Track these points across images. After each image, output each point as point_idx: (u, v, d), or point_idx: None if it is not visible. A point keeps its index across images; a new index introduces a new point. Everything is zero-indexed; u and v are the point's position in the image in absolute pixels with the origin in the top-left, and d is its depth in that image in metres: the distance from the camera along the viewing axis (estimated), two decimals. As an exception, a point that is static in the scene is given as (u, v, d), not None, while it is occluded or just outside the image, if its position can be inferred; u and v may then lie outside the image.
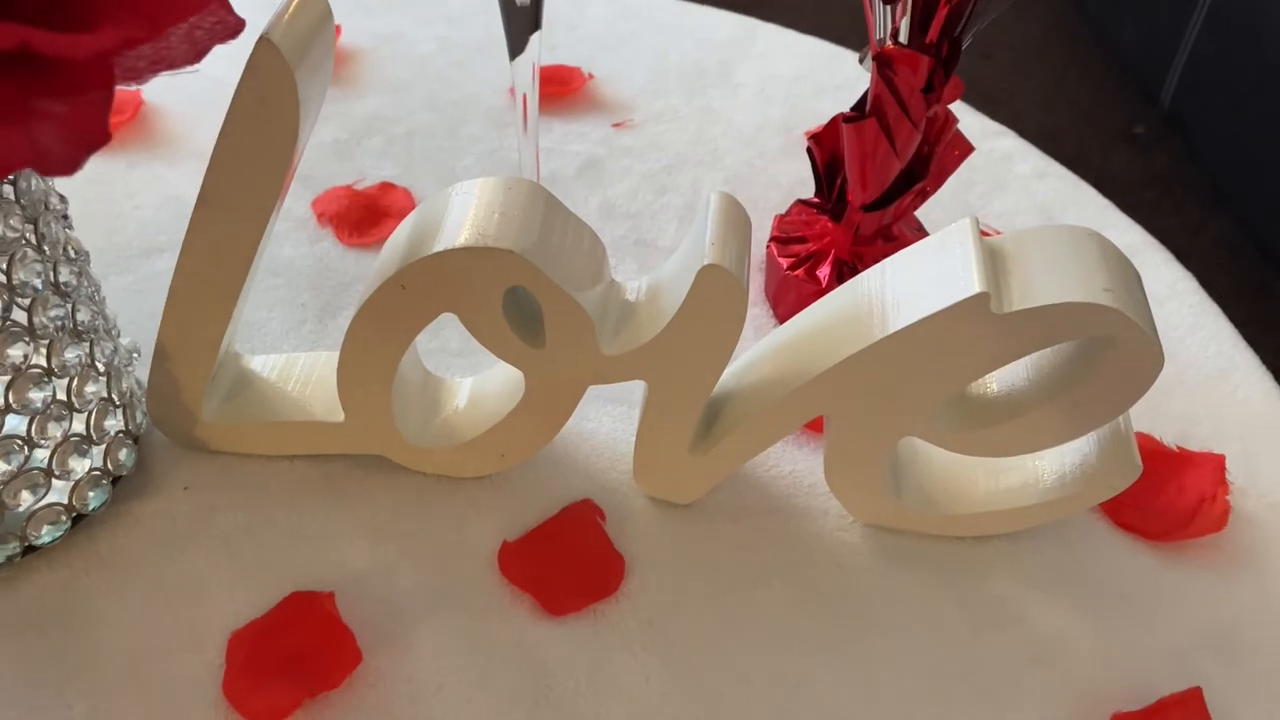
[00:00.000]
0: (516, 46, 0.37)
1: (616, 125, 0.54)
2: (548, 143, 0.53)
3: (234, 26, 0.22)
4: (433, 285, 0.31)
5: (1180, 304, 0.47)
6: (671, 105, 0.56)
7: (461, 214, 0.31)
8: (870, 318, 0.31)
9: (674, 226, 0.49)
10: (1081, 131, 1.45)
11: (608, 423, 0.40)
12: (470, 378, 0.39)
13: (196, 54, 0.21)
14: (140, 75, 0.21)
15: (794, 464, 0.39)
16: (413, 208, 0.49)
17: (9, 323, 0.30)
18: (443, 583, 0.35)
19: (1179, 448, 0.40)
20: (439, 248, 0.31)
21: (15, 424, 0.32)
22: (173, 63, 0.21)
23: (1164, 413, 0.42)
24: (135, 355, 0.38)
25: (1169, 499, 0.39)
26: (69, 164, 0.20)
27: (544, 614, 0.34)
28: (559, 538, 0.36)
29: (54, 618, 0.34)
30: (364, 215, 0.48)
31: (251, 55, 0.27)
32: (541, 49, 0.39)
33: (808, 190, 0.51)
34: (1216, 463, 0.39)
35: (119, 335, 0.37)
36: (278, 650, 0.33)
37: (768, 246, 0.45)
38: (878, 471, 0.35)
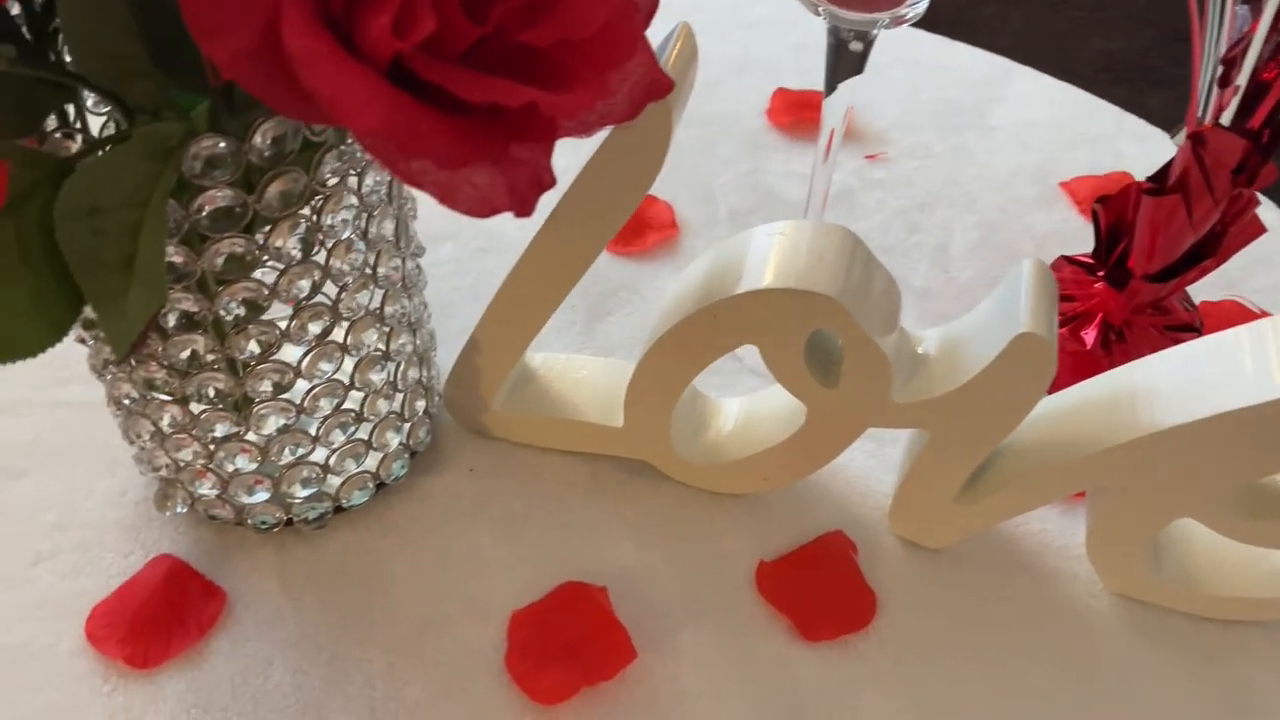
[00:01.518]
0: (835, 84, 0.38)
1: (870, 157, 0.55)
2: (802, 168, 0.55)
3: (664, 86, 0.24)
4: (743, 319, 0.33)
5: None
6: (924, 142, 0.57)
7: (778, 254, 0.33)
8: (1162, 402, 0.32)
9: (925, 266, 0.50)
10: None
11: (860, 458, 0.42)
12: (738, 398, 0.40)
13: (633, 112, 0.23)
14: (589, 129, 0.23)
15: (1044, 522, 0.40)
16: (673, 222, 0.51)
17: (368, 312, 0.33)
18: (704, 593, 0.37)
19: None
20: (757, 285, 0.32)
21: (352, 402, 0.35)
22: (616, 119, 0.23)
23: None
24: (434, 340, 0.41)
25: None
26: (527, 206, 0.22)
27: (798, 638, 0.36)
28: (813, 565, 0.38)
29: (356, 573, 0.37)
30: (629, 226, 0.50)
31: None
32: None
33: (1062, 242, 0.51)
34: None
35: (428, 322, 0.40)
36: (556, 635, 0.35)
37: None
38: (1143, 547, 0.36)
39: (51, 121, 0.27)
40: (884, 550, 0.39)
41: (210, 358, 0.31)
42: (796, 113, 0.57)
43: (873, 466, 0.41)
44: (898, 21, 0.35)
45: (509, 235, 0.51)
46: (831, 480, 0.41)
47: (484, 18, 0.20)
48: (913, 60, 0.62)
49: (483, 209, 0.21)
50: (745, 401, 0.40)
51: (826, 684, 0.35)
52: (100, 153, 0.24)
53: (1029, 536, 0.40)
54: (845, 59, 0.37)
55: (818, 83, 0.61)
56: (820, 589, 0.37)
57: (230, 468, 0.34)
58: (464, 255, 0.49)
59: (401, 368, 0.36)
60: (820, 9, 0.35)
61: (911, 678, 0.35)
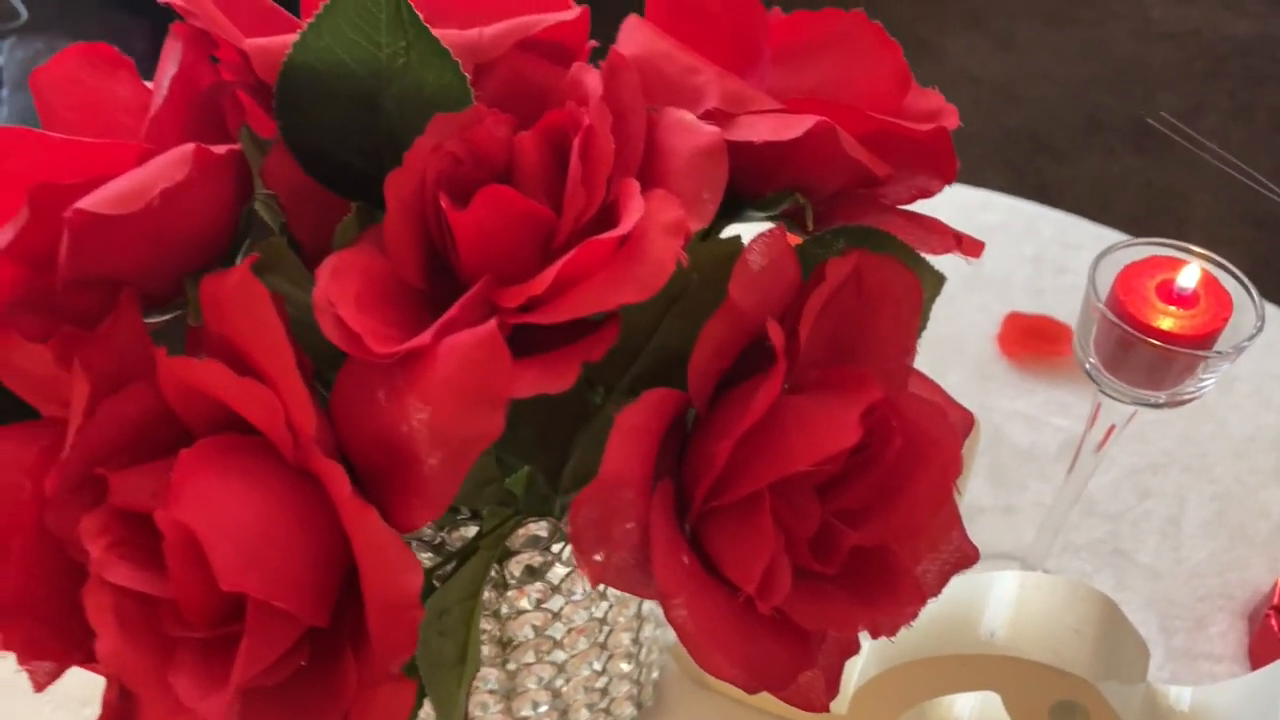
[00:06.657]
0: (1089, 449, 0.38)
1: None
2: (1027, 408, 0.54)
3: (972, 558, 0.25)
4: (987, 677, 0.34)
5: None
6: (1160, 390, 0.55)
7: (1030, 616, 0.33)
8: None
9: (1154, 541, 0.49)
10: None
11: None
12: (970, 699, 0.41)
13: (940, 587, 0.25)
14: (895, 627, 0.24)
15: None
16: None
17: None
18: None
19: None
20: (1004, 650, 0.33)
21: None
22: (922, 596, 0.25)
23: None
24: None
25: None
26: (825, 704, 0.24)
27: None
28: None
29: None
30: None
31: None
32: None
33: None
34: None
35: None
36: None
37: (1267, 615, 0.44)
38: None
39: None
40: None
41: None
42: (1030, 344, 0.57)
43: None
44: (1176, 402, 0.35)
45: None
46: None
47: (830, 556, 0.22)
48: (1151, 287, 0.61)
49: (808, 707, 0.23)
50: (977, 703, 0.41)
51: None
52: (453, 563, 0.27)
53: None
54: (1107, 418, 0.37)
55: (1052, 306, 0.61)
56: None
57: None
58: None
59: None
60: (1089, 365, 0.36)
61: None
